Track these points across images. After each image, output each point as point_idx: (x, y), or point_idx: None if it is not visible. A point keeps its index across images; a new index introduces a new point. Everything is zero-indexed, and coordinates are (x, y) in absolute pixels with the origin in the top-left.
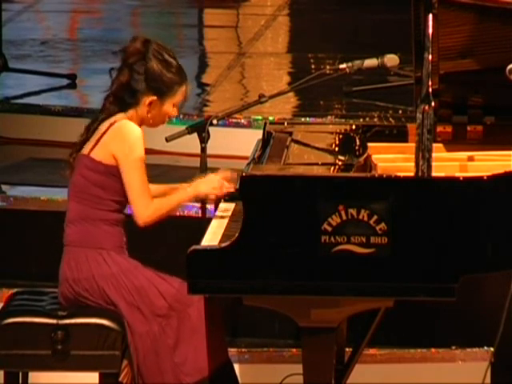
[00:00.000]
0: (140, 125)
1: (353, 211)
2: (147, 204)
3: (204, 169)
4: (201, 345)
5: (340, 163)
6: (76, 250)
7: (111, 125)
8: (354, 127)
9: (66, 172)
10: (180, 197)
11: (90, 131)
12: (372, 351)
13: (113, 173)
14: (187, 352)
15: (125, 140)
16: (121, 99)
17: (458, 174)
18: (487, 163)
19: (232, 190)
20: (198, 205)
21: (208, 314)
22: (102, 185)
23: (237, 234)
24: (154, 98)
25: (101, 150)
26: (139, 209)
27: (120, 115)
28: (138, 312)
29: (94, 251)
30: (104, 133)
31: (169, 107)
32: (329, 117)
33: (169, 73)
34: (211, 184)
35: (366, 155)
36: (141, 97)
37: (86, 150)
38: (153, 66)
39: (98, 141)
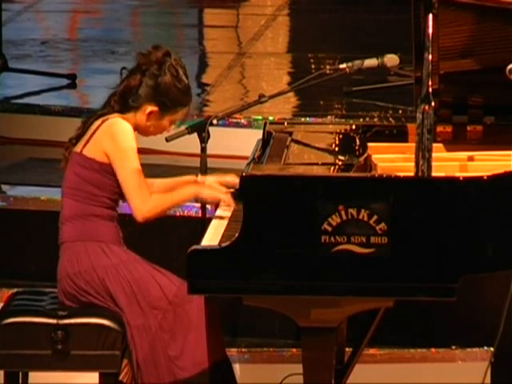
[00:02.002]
0: (134, 130)
1: (353, 211)
2: (144, 199)
3: (204, 169)
4: (198, 341)
5: (340, 163)
6: (75, 244)
7: (103, 122)
8: (354, 127)
9: (60, 164)
10: (182, 195)
11: (85, 126)
12: (372, 351)
13: (107, 170)
14: (183, 347)
15: (114, 136)
16: (125, 100)
17: (457, 174)
18: (487, 163)
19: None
20: (198, 205)
21: (207, 311)
22: (95, 182)
23: (237, 234)
24: (156, 109)
25: (93, 147)
26: (137, 204)
27: (116, 114)
28: (136, 304)
29: (93, 243)
30: (96, 129)
31: (166, 122)
32: (329, 117)
33: (177, 91)
34: (212, 190)
35: (366, 155)
36: (143, 104)
37: (79, 147)
38: (165, 80)
39: (90, 137)
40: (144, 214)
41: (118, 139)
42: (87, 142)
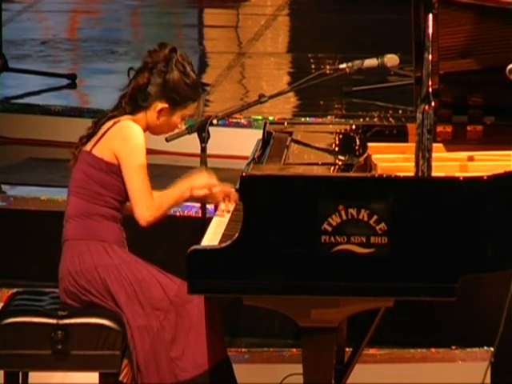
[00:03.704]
0: (145, 130)
1: (353, 211)
2: (149, 204)
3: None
4: (199, 341)
5: (340, 163)
6: (78, 242)
7: (115, 123)
8: (354, 127)
9: (68, 163)
10: (176, 190)
11: (97, 126)
12: (372, 351)
13: (114, 171)
14: (184, 347)
15: (126, 140)
16: (135, 101)
17: (457, 174)
18: (487, 163)
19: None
20: (198, 205)
21: (207, 311)
22: (102, 182)
23: (237, 234)
24: (166, 105)
25: (102, 147)
26: (141, 210)
27: (127, 116)
28: (138, 305)
29: (96, 243)
30: (107, 130)
31: (177, 119)
32: (329, 117)
33: (186, 86)
34: (202, 178)
35: (366, 155)
36: (153, 102)
37: (89, 146)
38: (173, 76)
39: (100, 138)
40: (147, 218)
41: (128, 141)
42: (97, 141)
